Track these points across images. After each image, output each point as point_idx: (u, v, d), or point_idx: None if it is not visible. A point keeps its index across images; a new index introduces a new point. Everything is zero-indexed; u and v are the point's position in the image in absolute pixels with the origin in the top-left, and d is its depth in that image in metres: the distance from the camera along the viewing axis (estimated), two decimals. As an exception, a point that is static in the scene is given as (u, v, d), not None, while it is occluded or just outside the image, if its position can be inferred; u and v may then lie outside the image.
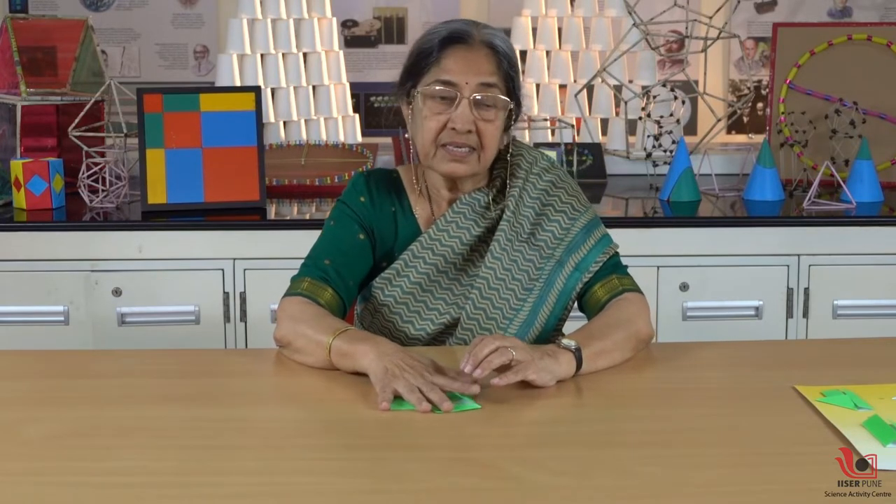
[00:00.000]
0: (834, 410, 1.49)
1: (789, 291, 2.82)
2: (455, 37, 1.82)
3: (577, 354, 1.65)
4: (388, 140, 3.41)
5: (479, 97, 1.80)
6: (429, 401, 1.49)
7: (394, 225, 1.92)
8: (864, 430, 1.41)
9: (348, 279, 1.85)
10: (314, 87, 3.50)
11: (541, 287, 1.88)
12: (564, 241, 1.89)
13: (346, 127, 3.53)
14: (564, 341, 1.66)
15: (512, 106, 1.85)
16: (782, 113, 3.27)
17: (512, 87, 1.85)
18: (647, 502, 1.24)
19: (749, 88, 3.75)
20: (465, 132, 1.81)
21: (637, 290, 1.89)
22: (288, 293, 1.82)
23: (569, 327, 1.96)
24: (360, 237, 1.89)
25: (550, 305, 1.89)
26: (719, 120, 3.40)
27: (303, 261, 1.88)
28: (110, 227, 2.78)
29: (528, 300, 1.88)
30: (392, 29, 3.73)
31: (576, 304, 1.93)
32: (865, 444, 1.37)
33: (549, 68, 3.59)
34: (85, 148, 2.93)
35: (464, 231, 1.90)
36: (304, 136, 3.45)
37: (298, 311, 1.76)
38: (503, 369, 1.58)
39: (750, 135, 3.75)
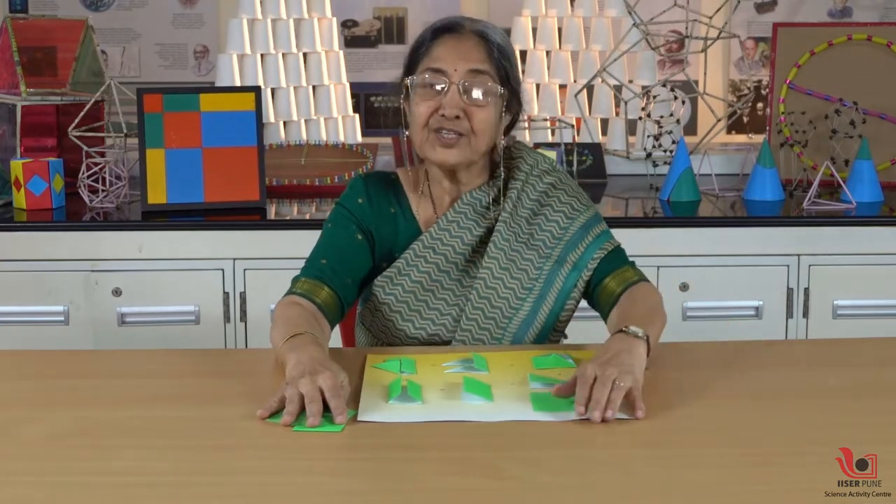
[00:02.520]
0: (381, 374, 1.65)
1: (789, 291, 2.82)
2: (445, 26, 1.85)
3: (647, 342, 1.63)
4: (388, 140, 3.41)
5: (467, 83, 1.81)
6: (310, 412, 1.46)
7: (393, 225, 1.92)
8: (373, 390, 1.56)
9: (346, 277, 1.85)
10: (314, 87, 3.50)
11: (540, 286, 1.88)
12: (563, 240, 1.89)
13: (346, 127, 3.53)
14: (633, 328, 1.63)
15: (504, 93, 1.84)
16: (782, 113, 3.27)
17: (506, 77, 1.85)
18: (647, 502, 1.24)
19: (749, 88, 3.75)
20: (454, 118, 1.80)
21: (648, 280, 1.89)
22: (285, 293, 1.83)
23: (574, 326, 1.95)
24: (358, 237, 1.89)
25: (550, 304, 1.88)
26: (719, 120, 3.40)
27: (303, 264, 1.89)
28: (110, 227, 2.78)
29: (528, 299, 1.87)
30: (392, 29, 3.73)
31: (583, 301, 1.92)
32: (368, 401, 1.51)
33: (549, 68, 3.59)
34: (85, 148, 2.93)
35: (465, 231, 1.89)
36: (304, 136, 3.45)
37: (280, 312, 1.77)
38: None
39: (750, 135, 3.75)
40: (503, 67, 1.85)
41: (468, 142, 1.83)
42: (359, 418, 1.46)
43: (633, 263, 1.91)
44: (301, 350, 1.59)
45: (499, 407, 1.51)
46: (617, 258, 1.90)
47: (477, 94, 1.81)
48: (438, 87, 1.82)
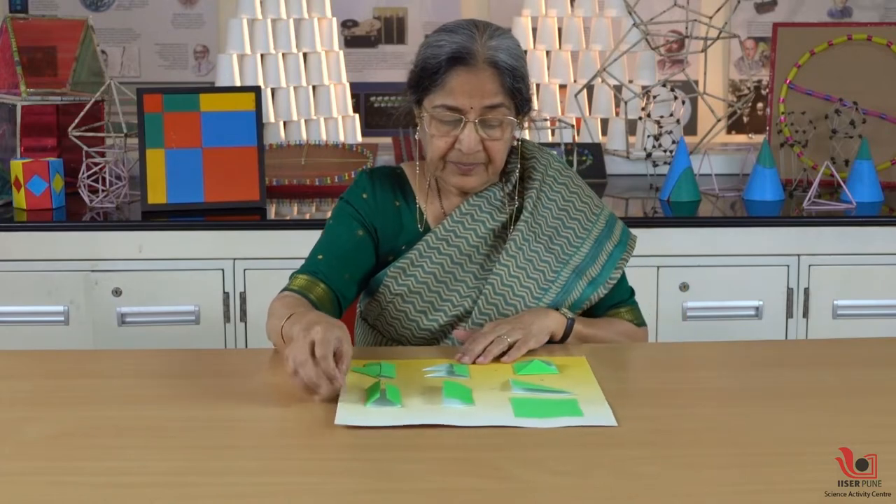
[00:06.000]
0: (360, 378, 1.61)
1: (789, 291, 2.82)
2: (458, 57, 1.78)
3: (570, 323, 1.83)
4: (388, 140, 3.41)
5: (483, 119, 1.80)
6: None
7: (398, 220, 1.92)
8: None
9: (343, 272, 1.86)
10: (314, 87, 3.50)
11: (556, 292, 1.89)
12: (580, 250, 1.92)
13: (346, 127, 3.53)
14: (564, 310, 1.85)
15: (519, 120, 1.86)
16: (782, 113, 3.27)
17: (519, 99, 1.83)
18: (647, 502, 1.24)
19: (749, 88, 3.75)
20: (473, 153, 1.82)
21: (643, 323, 1.98)
22: (280, 290, 1.84)
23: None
24: (359, 233, 1.90)
25: None
26: (719, 120, 3.40)
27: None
28: (110, 227, 2.78)
29: (543, 301, 1.89)
30: (392, 29, 3.73)
31: None
32: (345, 406, 1.49)
33: (549, 68, 3.59)
34: (85, 148, 2.93)
35: (479, 224, 1.90)
36: (304, 136, 3.45)
37: (276, 307, 1.77)
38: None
39: (750, 135, 3.75)
40: (517, 91, 1.82)
41: (485, 169, 1.86)
42: (336, 422, 1.44)
43: (633, 300, 2.00)
44: (293, 333, 1.58)
45: (480, 411, 1.49)
46: (622, 291, 1.98)
47: (493, 127, 1.82)
48: (454, 122, 1.81)
